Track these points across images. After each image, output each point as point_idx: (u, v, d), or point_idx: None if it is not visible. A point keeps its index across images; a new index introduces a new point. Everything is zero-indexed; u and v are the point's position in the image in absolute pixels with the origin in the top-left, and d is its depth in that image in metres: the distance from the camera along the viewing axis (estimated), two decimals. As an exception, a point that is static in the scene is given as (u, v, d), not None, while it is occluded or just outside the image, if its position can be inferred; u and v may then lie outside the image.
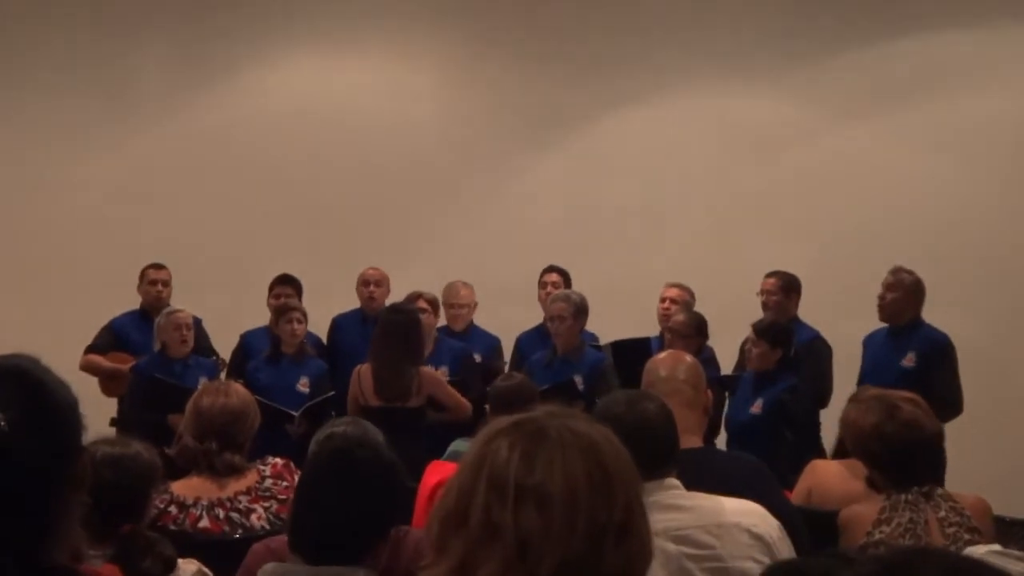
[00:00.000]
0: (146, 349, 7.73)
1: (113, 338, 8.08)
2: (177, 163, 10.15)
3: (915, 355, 7.14)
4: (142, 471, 3.49)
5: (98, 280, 9.31)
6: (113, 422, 7.42)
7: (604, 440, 1.76)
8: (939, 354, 7.15)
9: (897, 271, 7.31)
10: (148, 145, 10.18)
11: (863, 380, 7.18)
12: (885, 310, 7.29)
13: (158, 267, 8.23)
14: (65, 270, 9.80)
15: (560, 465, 1.69)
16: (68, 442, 1.78)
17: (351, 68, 10.41)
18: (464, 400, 6.96)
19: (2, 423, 1.74)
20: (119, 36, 10.18)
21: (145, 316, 8.08)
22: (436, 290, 7.96)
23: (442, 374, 7.32)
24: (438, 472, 4.51)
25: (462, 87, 10.38)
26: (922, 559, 1.19)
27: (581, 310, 7.39)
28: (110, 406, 7.74)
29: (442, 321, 8.06)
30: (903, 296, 7.24)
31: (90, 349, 8.03)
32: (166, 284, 8.18)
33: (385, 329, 6.80)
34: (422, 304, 7.60)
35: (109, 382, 7.85)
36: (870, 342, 7.50)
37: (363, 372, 6.73)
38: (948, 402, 6.64)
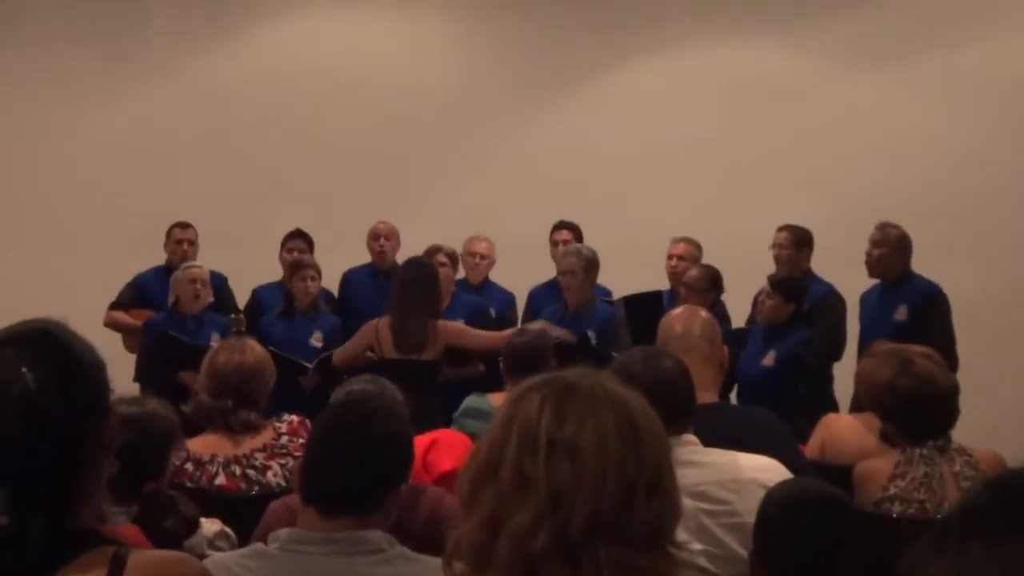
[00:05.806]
0: (169, 306, 7.78)
1: (137, 294, 8.07)
2: (184, 117, 10.08)
3: (906, 308, 7.09)
4: (160, 430, 3.51)
5: (109, 237, 9.30)
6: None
7: (634, 399, 1.76)
8: (929, 305, 7.10)
9: (883, 226, 7.25)
10: (153, 99, 10.10)
11: (861, 337, 7.17)
12: (873, 267, 7.24)
13: (184, 226, 8.21)
14: (79, 226, 9.78)
15: (591, 419, 1.69)
16: (95, 403, 1.78)
17: (360, 20, 10.35)
18: (493, 333, 6.85)
19: (29, 381, 1.74)
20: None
21: (170, 273, 8.10)
22: (449, 244, 7.96)
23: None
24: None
25: (472, 38, 10.31)
26: None
27: (592, 264, 7.36)
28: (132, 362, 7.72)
29: (458, 275, 8.06)
30: (890, 251, 7.18)
31: (114, 305, 8.03)
32: (192, 243, 8.16)
33: (403, 282, 6.80)
34: (441, 258, 7.59)
35: (132, 338, 7.84)
36: (866, 299, 7.46)
37: (381, 325, 6.72)
38: (942, 353, 6.58)
